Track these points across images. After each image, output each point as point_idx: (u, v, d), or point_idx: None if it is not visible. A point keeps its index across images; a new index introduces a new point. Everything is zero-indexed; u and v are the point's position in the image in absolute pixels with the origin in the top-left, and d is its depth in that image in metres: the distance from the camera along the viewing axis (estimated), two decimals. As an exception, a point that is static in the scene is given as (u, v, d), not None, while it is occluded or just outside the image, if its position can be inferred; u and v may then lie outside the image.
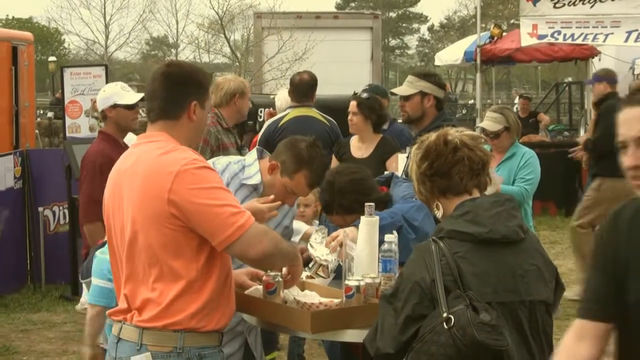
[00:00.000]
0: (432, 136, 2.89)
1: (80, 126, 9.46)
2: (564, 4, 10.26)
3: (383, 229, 3.48)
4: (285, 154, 3.74)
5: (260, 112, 9.98)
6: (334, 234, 3.62)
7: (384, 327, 2.69)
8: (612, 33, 10.13)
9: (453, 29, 52.44)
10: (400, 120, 5.82)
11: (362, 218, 3.50)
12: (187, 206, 2.80)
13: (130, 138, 5.18)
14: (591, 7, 10.15)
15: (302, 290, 3.50)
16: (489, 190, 2.91)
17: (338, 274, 3.55)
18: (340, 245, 3.50)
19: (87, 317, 3.82)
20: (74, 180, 7.28)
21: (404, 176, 4.16)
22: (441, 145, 2.84)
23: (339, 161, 6.04)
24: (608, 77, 8.18)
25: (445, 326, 2.55)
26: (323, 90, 7.36)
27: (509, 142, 5.74)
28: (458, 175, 2.81)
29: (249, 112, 6.33)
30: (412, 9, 60.72)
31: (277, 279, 3.30)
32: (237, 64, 27.83)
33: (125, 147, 4.71)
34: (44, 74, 39.05)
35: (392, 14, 59.39)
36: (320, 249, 3.64)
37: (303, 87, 6.58)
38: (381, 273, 3.39)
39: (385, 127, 6.32)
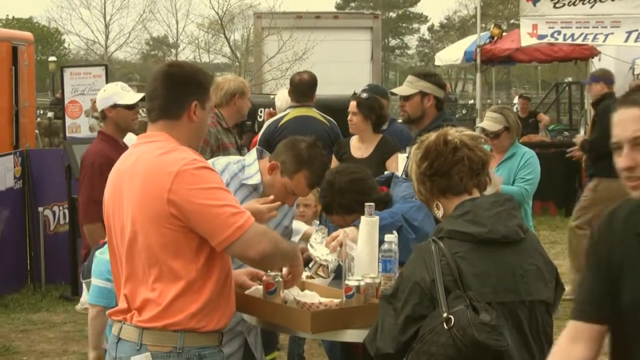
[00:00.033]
0: (432, 136, 2.89)
1: (80, 126, 9.45)
2: (564, 4, 10.25)
3: (383, 229, 3.48)
4: (285, 154, 3.74)
5: (260, 112, 9.98)
6: (334, 234, 3.62)
7: (384, 327, 2.69)
8: (612, 33, 10.12)
9: (453, 29, 52.43)
10: (400, 120, 5.82)
11: (362, 218, 3.50)
12: (187, 206, 2.80)
13: (130, 138, 5.18)
14: (591, 7, 10.14)
15: (302, 290, 3.50)
16: (489, 190, 2.91)
17: (338, 274, 3.55)
18: (340, 245, 3.50)
19: (88, 317, 3.84)
20: (74, 180, 7.28)
21: (404, 176, 4.16)
22: (441, 145, 2.84)
23: (339, 161, 6.04)
24: (605, 77, 8.19)
25: (445, 326, 2.55)
26: (323, 90, 7.35)
27: (509, 142, 5.75)
28: (458, 175, 2.81)
29: (248, 112, 6.33)
30: (412, 9, 60.73)
31: (277, 279, 3.30)
32: (237, 64, 27.85)
33: (124, 147, 4.71)
34: (44, 74, 39.05)
35: (392, 14, 59.39)
36: (320, 249, 3.64)
37: (303, 87, 6.58)
38: (381, 273, 3.39)
39: (384, 127, 6.32)
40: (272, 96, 10.17)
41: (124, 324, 2.92)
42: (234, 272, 3.15)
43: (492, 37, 13.61)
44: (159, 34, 52.09)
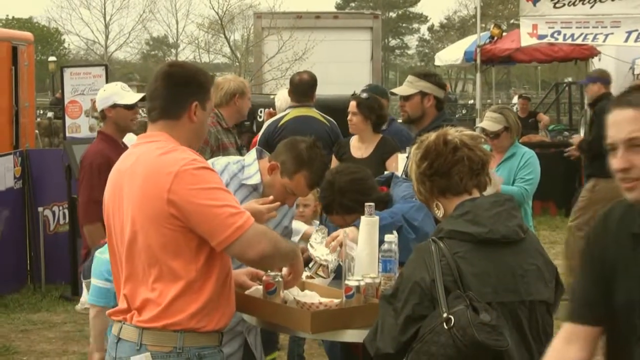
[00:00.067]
0: (432, 136, 2.89)
1: (80, 126, 9.45)
2: (564, 4, 10.24)
3: (383, 229, 3.48)
4: (285, 154, 3.74)
5: (260, 112, 9.98)
6: (334, 234, 3.62)
7: (384, 327, 2.69)
8: (612, 33, 10.11)
9: (453, 29, 52.45)
10: (400, 120, 5.81)
11: (362, 218, 3.50)
12: (187, 206, 2.80)
13: (130, 138, 5.18)
14: (591, 7, 10.13)
15: (302, 290, 3.50)
16: (489, 190, 2.91)
17: (338, 274, 3.55)
18: (340, 245, 3.50)
19: (89, 317, 3.85)
20: (74, 180, 7.27)
21: (404, 176, 4.16)
22: (441, 145, 2.84)
23: (339, 161, 6.04)
24: (602, 77, 8.19)
25: (445, 326, 2.54)
26: (323, 90, 7.35)
27: (509, 142, 5.74)
28: (458, 175, 2.81)
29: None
30: (412, 9, 60.76)
31: (277, 279, 3.30)
32: (237, 64, 27.83)
33: (124, 147, 4.71)
34: (44, 74, 39.04)
35: (392, 14, 59.41)
36: (320, 249, 3.64)
37: (303, 87, 6.58)
38: (381, 273, 3.39)
39: (384, 127, 6.32)
40: (272, 96, 10.16)
41: (123, 324, 2.92)
42: (234, 272, 3.15)
43: (492, 37, 13.60)
44: (159, 34, 52.21)
